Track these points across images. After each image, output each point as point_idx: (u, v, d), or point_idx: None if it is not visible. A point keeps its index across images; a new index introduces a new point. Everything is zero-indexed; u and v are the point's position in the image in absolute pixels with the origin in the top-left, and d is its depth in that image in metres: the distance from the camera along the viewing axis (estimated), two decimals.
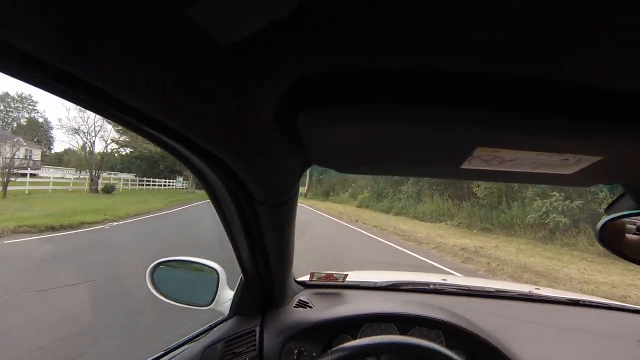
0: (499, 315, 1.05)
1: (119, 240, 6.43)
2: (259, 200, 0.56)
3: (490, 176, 0.48)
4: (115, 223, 8.22)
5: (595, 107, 0.29)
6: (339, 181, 28.15)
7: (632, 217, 0.55)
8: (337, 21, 0.22)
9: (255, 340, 0.89)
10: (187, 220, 9.34)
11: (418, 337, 0.88)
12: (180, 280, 0.97)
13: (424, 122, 0.32)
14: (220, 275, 0.93)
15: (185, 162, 0.44)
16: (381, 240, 8.51)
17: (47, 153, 31.24)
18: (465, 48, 0.24)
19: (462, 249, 7.84)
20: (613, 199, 0.57)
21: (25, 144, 21.88)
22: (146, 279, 0.92)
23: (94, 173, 15.67)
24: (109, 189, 15.99)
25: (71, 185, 15.47)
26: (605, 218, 0.56)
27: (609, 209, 0.58)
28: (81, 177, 17.58)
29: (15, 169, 15.41)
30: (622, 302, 1.31)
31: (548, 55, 0.25)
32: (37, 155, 23.34)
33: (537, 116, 0.30)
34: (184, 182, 27.07)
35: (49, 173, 19.71)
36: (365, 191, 21.93)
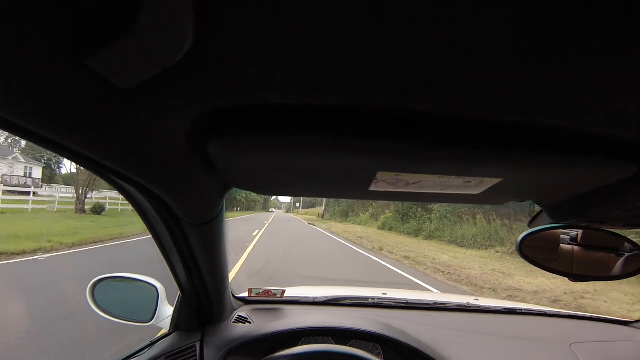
0: (436, 327, 1.07)
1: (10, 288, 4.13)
2: (184, 219, 0.58)
3: (402, 197, 0.50)
4: (49, 255, 6.00)
5: (485, 136, 0.32)
6: (359, 201, 25.70)
7: (555, 230, 0.67)
8: (227, 65, 0.25)
9: (195, 355, 0.89)
10: (148, 254, 6.00)
11: None
12: (121, 297, 0.95)
13: (324, 150, 0.34)
14: (159, 292, 0.93)
15: (112, 183, 0.46)
16: (420, 282, 5.76)
17: (56, 172, 30.70)
18: (354, 82, 0.27)
19: (553, 300, 5.02)
20: (534, 215, 0.63)
21: (23, 160, 20.99)
22: (86, 295, 0.91)
23: (80, 192, 13.92)
24: (97, 210, 14.24)
25: (56, 204, 13.77)
26: (524, 233, 0.67)
27: (531, 223, 0.64)
28: (88, 196, 15.87)
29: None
30: None
31: (432, 89, 0.27)
32: (37, 172, 22.32)
33: (429, 144, 0.33)
34: None
35: (59, 192, 18.41)
36: (388, 211, 19.39)
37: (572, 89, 0.26)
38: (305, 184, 0.50)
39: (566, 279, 0.69)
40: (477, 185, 0.42)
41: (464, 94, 0.27)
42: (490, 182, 0.40)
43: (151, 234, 0.66)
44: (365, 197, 0.54)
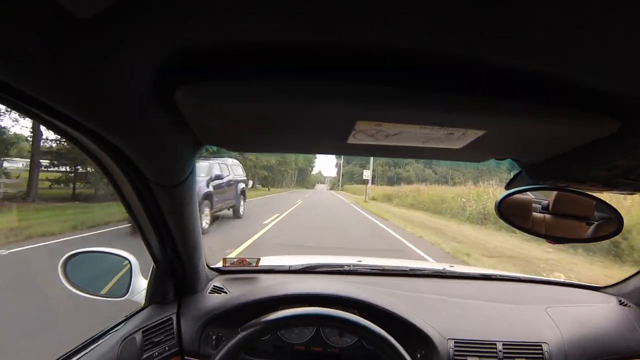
0: (413, 292, 1.08)
1: None
2: (153, 180, 0.57)
3: (381, 151, 0.49)
4: None
5: (471, 83, 0.31)
6: None
7: (531, 193, 0.69)
8: None
9: (172, 328, 0.89)
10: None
11: None
12: (95, 272, 0.95)
13: (303, 96, 0.33)
14: (133, 265, 0.92)
15: (80, 147, 0.45)
16: None
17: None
18: (334, 23, 0.26)
19: None
20: (512, 177, 0.63)
21: None
22: (58, 272, 0.88)
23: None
24: None
25: None
26: (502, 194, 0.68)
27: (508, 185, 0.65)
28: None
29: None
30: None
31: (415, 31, 0.26)
32: None
33: (412, 89, 0.32)
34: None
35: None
36: None
37: (556, 31, 0.25)
38: (280, 137, 0.48)
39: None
40: (460, 138, 0.41)
41: (440, 28, 0.26)
42: (473, 134, 0.39)
43: (120, 200, 0.64)
44: (342, 152, 0.52)
